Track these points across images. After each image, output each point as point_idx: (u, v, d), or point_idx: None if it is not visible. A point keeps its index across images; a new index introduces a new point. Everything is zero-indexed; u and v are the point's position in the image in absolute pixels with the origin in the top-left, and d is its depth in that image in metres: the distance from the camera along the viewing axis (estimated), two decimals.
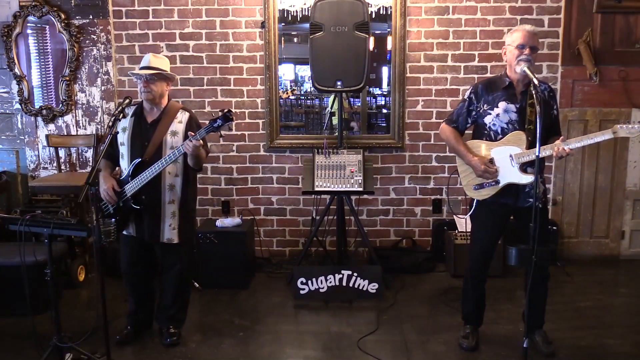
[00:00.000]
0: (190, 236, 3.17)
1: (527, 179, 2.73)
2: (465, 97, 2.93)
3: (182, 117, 3.01)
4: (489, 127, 2.84)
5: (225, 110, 2.76)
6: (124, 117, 2.94)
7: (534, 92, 2.53)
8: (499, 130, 2.81)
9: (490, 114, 2.82)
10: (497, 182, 2.81)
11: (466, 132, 3.02)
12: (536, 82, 2.51)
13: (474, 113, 2.90)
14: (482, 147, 2.86)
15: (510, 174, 2.76)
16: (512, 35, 2.78)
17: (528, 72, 2.58)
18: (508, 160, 2.76)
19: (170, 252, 3.06)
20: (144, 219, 2.97)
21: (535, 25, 4.12)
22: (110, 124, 2.74)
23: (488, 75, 4.20)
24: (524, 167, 2.75)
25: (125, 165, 2.98)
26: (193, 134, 2.78)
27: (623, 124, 2.57)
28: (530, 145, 2.71)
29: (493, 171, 2.78)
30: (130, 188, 2.90)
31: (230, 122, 2.76)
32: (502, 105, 2.79)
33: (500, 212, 2.90)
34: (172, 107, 3.02)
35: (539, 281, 2.81)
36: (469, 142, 2.92)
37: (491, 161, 2.81)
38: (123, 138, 2.97)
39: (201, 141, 2.79)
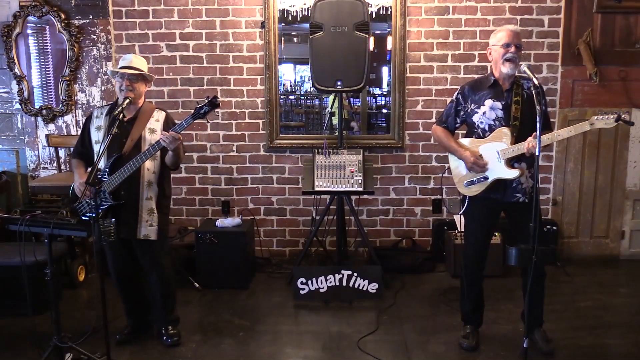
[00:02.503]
0: (166, 234, 3.17)
1: (513, 173, 2.80)
2: (453, 97, 3.02)
3: (159, 115, 3.05)
4: (477, 125, 2.91)
5: (211, 97, 2.78)
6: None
7: (534, 91, 2.56)
8: (487, 127, 2.87)
9: (477, 112, 2.89)
10: (486, 178, 2.87)
11: (459, 132, 3.09)
12: (536, 82, 2.53)
13: (462, 113, 2.98)
14: (472, 145, 2.93)
15: (498, 169, 2.83)
16: (496, 36, 2.86)
17: (528, 71, 2.59)
18: (495, 157, 2.82)
19: (148, 250, 3.04)
20: (120, 215, 2.94)
21: (535, 26, 4.24)
22: (110, 123, 2.74)
23: None
24: (510, 162, 2.81)
25: (101, 163, 2.93)
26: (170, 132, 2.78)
27: (600, 115, 2.59)
28: (516, 141, 2.77)
29: (482, 164, 2.84)
30: (109, 183, 2.88)
31: (216, 107, 2.78)
32: (488, 103, 2.86)
33: (491, 207, 2.96)
34: (148, 106, 3.06)
35: (536, 280, 2.81)
36: (461, 140, 2.99)
37: (480, 156, 2.88)
38: (98, 136, 2.96)
39: (179, 135, 2.79)
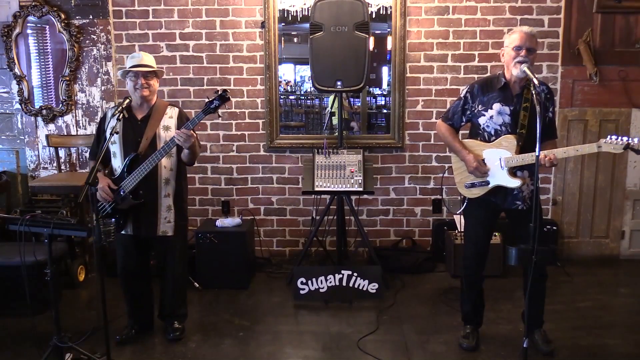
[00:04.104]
0: (184, 230, 3.20)
1: (515, 182, 2.78)
2: (461, 95, 2.96)
3: (172, 112, 3.06)
4: (483, 127, 2.87)
5: (221, 91, 2.79)
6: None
7: (533, 92, 2.53)
8: (493, 132, 2.84)
9: (484, 115, 2.85)
10: (488, 183, 2.85)
11: (462, 131, 3.05)
12: (536, 82, 2.51)
13: (468, 112, 2.93)
14: (476, 147, 2.90)
15: (500, 176, 2.81)
16: (510, 37, 2.80)
17: (528, 72, 2.58)
18: (498, 163, 2.80)
19: (166, 247, 3.08)
20: (140, 214, 2.98)
21: (535, 25, 4.23)
22: (111, 123, 2.74)
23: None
24: (513, 171, 2.79)
25: (118, 163, 2.99)
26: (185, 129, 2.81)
27: (609, 139, 2.57)
28: (521, 150, 2.74)
29: (484, 171, 2.83)
30: (128, 184, 2.90)
31: (227, 101, 2.79)
32: (496, 107, 2.81)
33: (491, 208, 2.95)
34: (161, 104, 3.07)
35: (536, 281, 2.81)
36: (465, 141, 2.95)
37: (483, 161, 2.85)
38: (114, 137, 2.96)
39: (192, 132, 2.82)
